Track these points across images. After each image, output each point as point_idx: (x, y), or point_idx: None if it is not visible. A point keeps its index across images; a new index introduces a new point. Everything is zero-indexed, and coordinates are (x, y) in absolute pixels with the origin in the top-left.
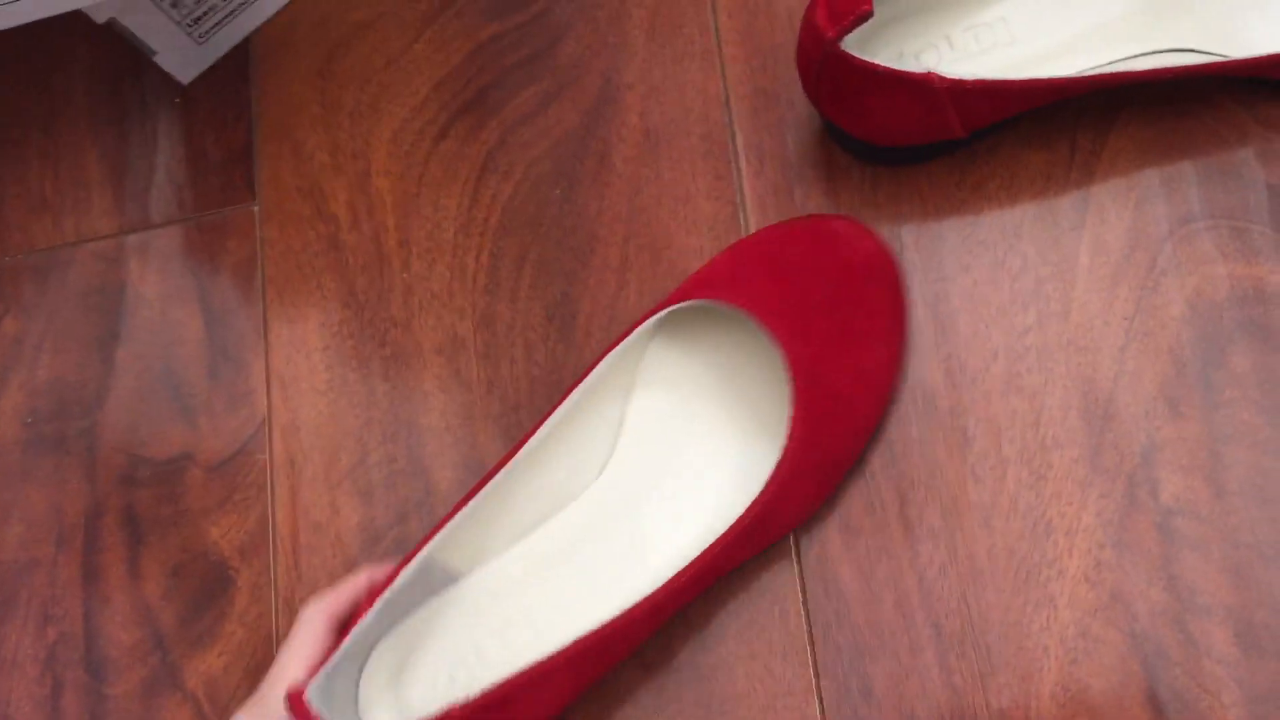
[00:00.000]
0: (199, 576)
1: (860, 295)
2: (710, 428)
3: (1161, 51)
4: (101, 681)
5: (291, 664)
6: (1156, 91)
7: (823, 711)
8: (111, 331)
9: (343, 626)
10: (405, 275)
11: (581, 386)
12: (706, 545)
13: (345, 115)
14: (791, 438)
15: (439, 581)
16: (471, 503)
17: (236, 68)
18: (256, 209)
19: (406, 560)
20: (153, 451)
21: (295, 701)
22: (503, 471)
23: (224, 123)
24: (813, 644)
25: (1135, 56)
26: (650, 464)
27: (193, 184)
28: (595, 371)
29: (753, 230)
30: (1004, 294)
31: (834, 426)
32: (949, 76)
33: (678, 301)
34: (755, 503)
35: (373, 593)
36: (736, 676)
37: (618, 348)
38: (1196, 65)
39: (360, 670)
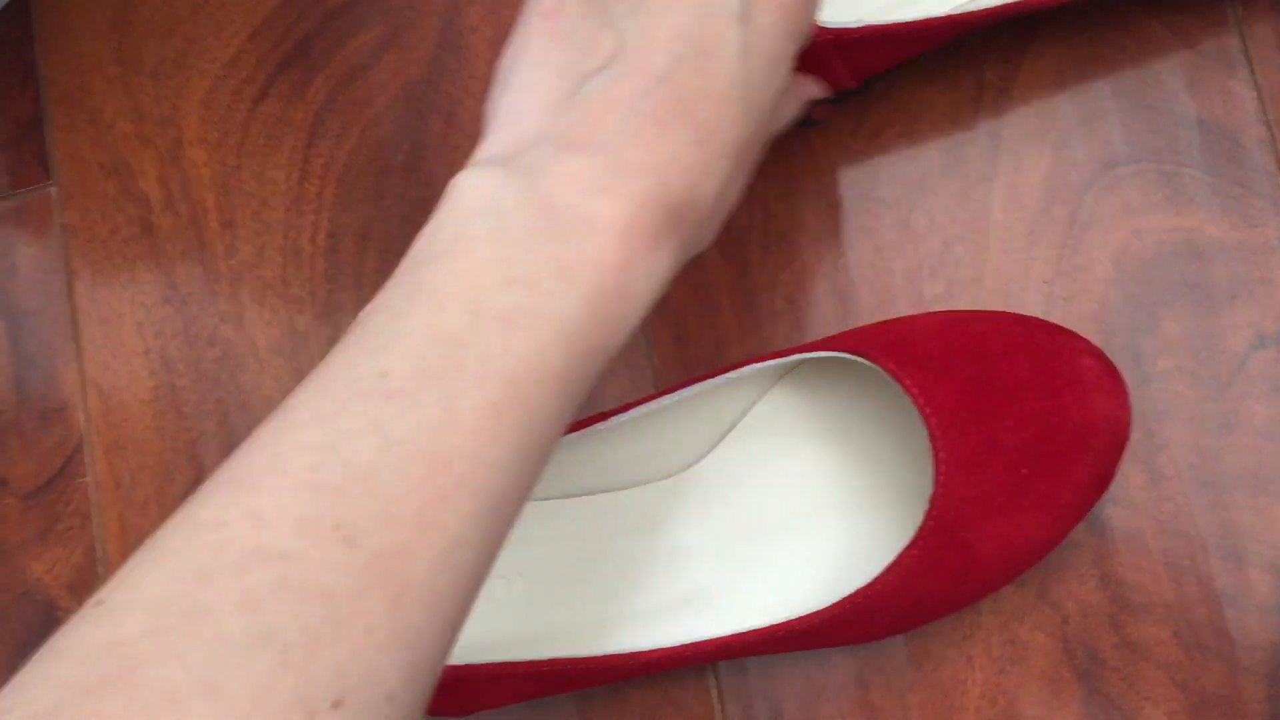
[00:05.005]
0: (22, 620)
1: (1066, 460)
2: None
3: None
4: None
5: None
6: (1068, 18)
7: None
8: None
9: None
10: (232, 262)
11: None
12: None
13: (147, 75)
14: (892, 567)
15: None
16: None
17: (16, 21)
18: (54, 190)
19: None
20: None
21: None
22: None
23: (6, 90)
24: None
25: None
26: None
27: None
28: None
29: None
30: (909, 259)
31: (950, 577)
32: (831, 26)
33: (840, 351)
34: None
35: None
36: None
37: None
38: None
39: None
